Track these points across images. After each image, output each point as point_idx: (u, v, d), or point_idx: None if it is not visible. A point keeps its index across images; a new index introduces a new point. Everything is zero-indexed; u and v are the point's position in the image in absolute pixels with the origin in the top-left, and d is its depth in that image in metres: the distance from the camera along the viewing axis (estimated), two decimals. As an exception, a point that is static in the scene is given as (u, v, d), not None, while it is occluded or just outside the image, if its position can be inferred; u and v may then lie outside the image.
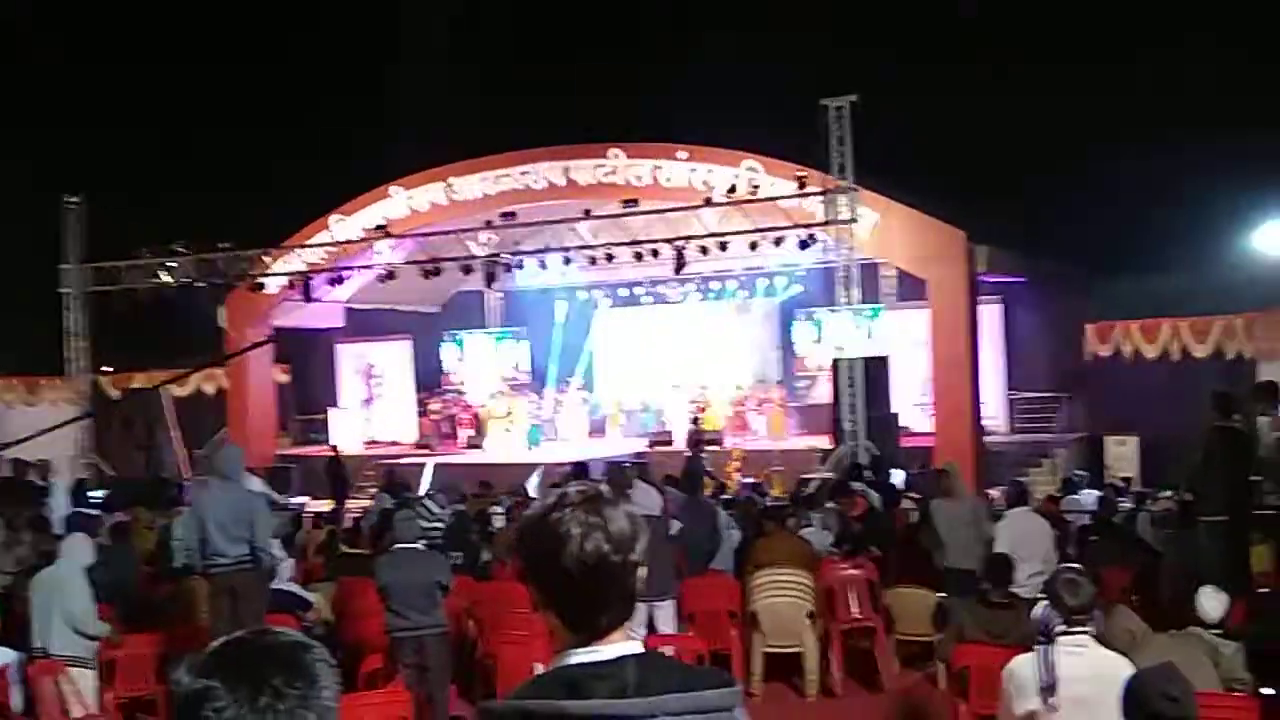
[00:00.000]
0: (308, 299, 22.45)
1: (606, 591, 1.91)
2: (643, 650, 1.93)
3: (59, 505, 13.38)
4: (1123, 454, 19.59)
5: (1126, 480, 17.39)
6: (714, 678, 1.96)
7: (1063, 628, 4.19)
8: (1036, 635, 4.22)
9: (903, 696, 8.36)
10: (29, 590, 7.80)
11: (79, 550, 7.99)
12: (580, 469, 12.57)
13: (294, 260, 22.92)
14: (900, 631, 9.04)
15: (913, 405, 19.83)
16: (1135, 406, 19.31)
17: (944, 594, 8.11)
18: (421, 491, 11.78)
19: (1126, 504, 13.12)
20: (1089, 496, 13.94)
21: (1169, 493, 12.68)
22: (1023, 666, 4.21)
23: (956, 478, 8.02)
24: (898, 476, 15.25)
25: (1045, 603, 4.26)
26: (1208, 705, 4.96)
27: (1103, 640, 4.43)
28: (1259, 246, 17.56)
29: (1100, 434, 20.29)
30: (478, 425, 24.89)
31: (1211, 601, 5.87)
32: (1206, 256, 19.59)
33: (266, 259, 22.68)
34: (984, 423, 19.96)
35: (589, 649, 1.90)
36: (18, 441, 14.73)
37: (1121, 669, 4.05)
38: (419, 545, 7.65)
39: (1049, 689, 4.09)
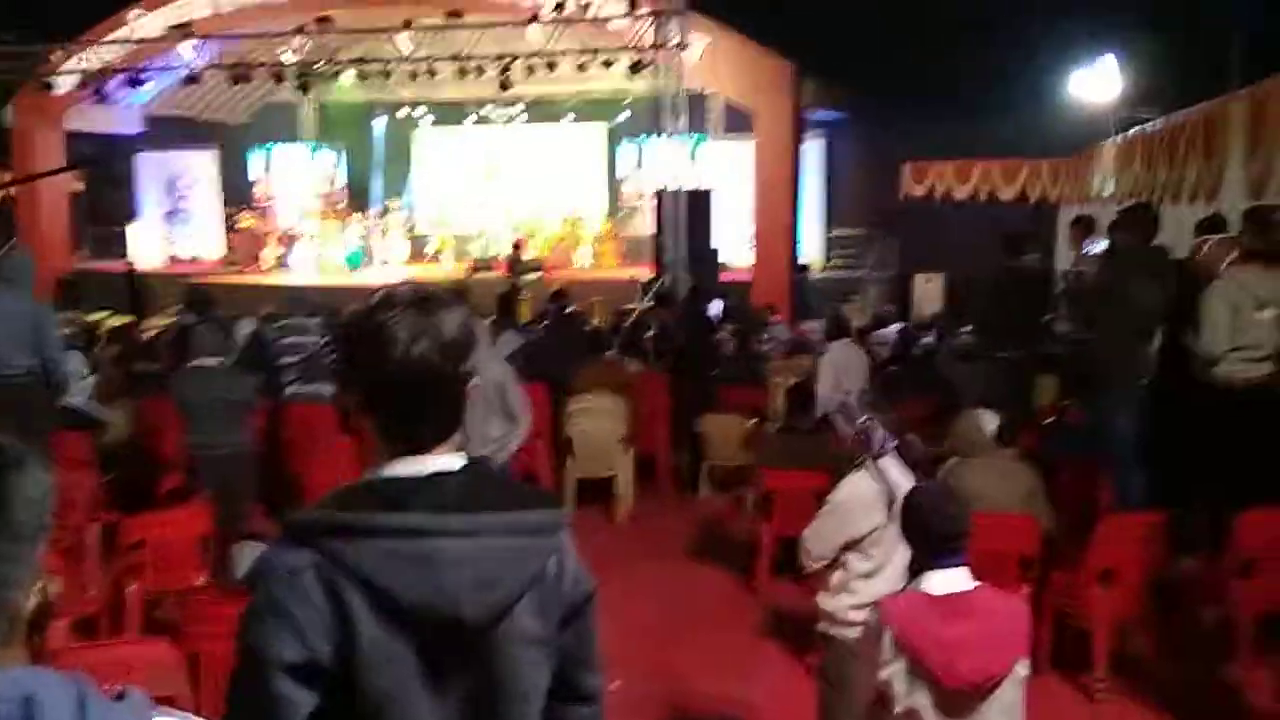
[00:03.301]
0: (102, 101, 20.90)
1: (432, 401, 1.78)
2: (467, 465, 1.81)
3: None
4: (929, 291, 20.34)
5: (934, 317, 18.07)
6: (541, 498, 1.86)
7: (893, 443, 4.30)
8: (870, 451, 4.26)
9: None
10: None
11: None
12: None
13: (88, 58, 21.19)
14: (712, 458, 9.28)
15: (733, 239, 20.01)
16: (943, 246, 19.98)
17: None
18: None
19: (930, 340, 13.64)
20: (894, 330, 14.43)
21: (969, 329, 13.24)
22: (861, 484, 4.24)
23: None
24: (715, 306, 15.45)
25: (869, 420, 4.31)
26: (994, 525, 5.26)
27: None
28: (1074, 92, 18.05)
29: (909, 272, 20.99)
30: (289, 244, 24.01)
31: (987, 420, 6.06)
32: (1023, 101, 20.05)
33: (56, 56, 20.90)
34: (801, 259, 20.36)
35: (409, 460, 1.77)
36: None
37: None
38: (216, 362, 7.30)
39: (892, 501, 4.13)
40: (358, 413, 1.81)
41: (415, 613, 1.68)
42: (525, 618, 1.80)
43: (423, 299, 1.78)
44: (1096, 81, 17.21)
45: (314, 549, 1.67)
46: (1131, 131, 14.71)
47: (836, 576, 4.33)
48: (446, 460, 1.79)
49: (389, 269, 23.27)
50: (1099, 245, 9.77)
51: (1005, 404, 6.70)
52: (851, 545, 4.26)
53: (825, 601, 4.34)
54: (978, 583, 3.38)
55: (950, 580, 3.33)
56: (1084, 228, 10.68)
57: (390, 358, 1.74)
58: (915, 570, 3.43)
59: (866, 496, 4.22)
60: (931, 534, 3.38)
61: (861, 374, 8.42)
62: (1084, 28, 18.20)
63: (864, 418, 4.30)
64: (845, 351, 8.72)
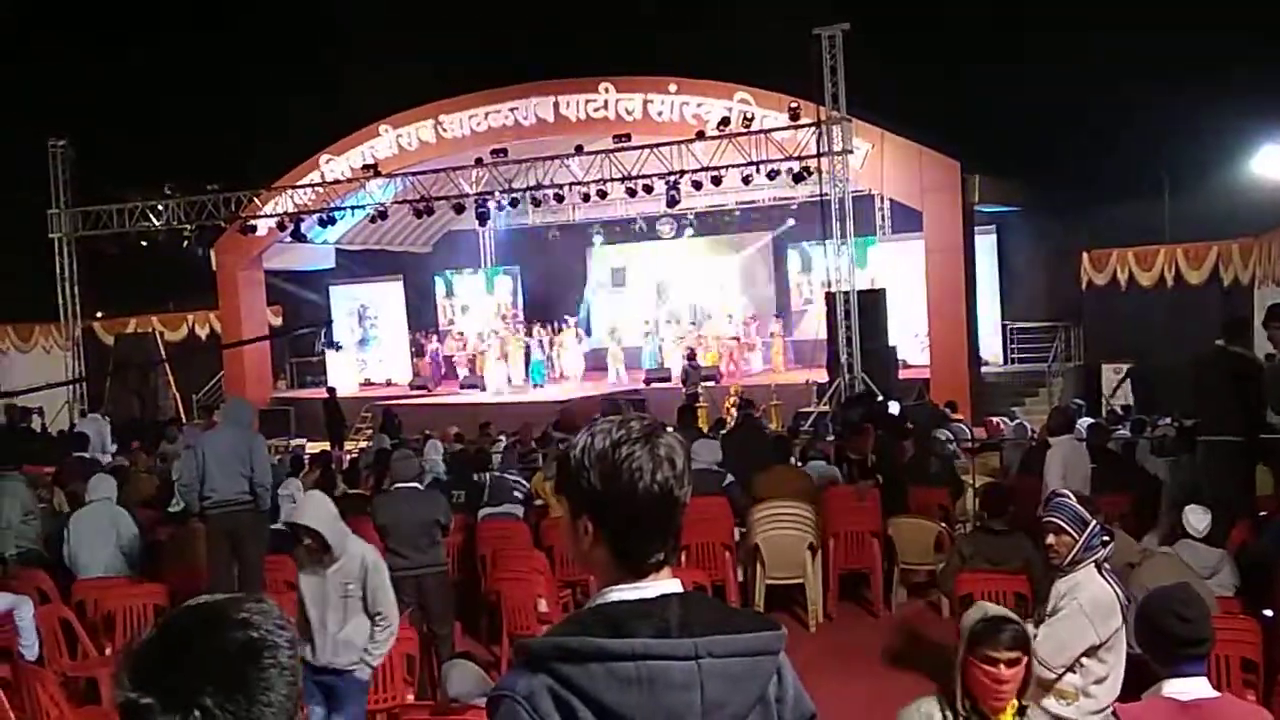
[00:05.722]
0: (298, 240, 22.31)
1: (666, 527, 1.87)
2: (684, 590, 1.87)
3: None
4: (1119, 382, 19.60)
5: (1126, 409, 17.39)
6: (758, 620, 1.90)
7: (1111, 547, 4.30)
8: (1094, 555, 4.29)
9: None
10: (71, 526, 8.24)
11: (107, 486, 8.59)
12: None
13: (284, 201, 22.72)
14: (904, 561, 9.09)
15: (910, 337, 19.80)
16: (1131, 334, 19.29)
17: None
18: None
19: (1123, 431, 13.12)
20: (1084, 424, 13.92)
21: (1168, 419, 12.69)
22: (1105, 591, 4.24)
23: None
24: (893, 408, 15.24)
25: (1098, 524, 4.32)
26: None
27: None
28: (1257, 171, 17.38)
29: (1096, 362, 20.30)
30: (472, 364, 24.89)
31: (1197, 517, 5.94)
32: (1203, 182, 19.43)
33: (256, 200, 22.48)
34: (980, 353, 19.96)
35: (631, 586, 1.84)
36: (18, 393, 14.71)
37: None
38: (416, 484, 7.62)
39: (1127, 605, 4.17)
40: (592, 541, 1.88)
41: None
42: None
43: (650, 430, 1.88)
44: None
45: (547, 673, 1.75)
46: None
47: (1072, 681, 4.25)
48: (667, 583, 1.86)
49: (568, 384, 23.82)
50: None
51: (1214, 497, 6.41)
52: (1091, 650, 4.21)
53: (1059, 709, 4.24)
54: (1218, 691, 3.23)
55: (1192, 687, 3.17)
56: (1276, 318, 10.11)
57: (638, 489, 1.83)
58: (1150, 676, 3.31)
59: (1109, 601, 4.19)
60: (1175, 640, 3.21)
61: (1083, 473, 8.18)
62: (1261, 107, 17.60)
63: (1093, 522, 4.30)
64: (1070, 447, 8.49)
